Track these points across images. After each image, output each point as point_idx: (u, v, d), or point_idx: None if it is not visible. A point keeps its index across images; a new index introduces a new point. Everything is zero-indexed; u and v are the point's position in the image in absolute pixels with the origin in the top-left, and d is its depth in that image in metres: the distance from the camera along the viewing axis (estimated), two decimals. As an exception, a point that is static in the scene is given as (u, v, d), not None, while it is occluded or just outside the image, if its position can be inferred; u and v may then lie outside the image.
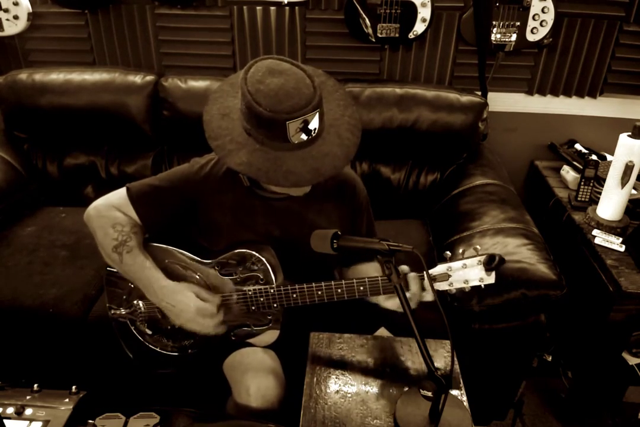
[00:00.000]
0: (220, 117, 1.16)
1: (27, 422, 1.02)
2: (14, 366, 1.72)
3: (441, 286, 1.15)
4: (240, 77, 1.11)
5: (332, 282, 1.23)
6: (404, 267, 1.19)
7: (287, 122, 1.06)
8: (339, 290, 1.22)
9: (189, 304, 1.25)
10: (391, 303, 1.24)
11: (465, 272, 1.12)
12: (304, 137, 1.10)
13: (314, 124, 1.10)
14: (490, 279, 1.12)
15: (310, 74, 1.12)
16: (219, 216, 1.33)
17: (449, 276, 1.14)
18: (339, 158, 1.15)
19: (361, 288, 1.21)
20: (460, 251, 1.15)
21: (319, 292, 1.23)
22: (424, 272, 1.16)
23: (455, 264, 1.13)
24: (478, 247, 1.13)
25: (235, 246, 1.31)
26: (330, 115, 1.17)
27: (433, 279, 1.14)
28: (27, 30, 2.25)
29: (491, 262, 1.08)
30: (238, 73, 1.22)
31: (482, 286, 1.13)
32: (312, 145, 1.12)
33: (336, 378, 1.20)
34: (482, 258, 1.10)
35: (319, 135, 1.14)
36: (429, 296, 1.18)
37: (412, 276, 1.17)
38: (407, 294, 1.17)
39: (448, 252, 1.15)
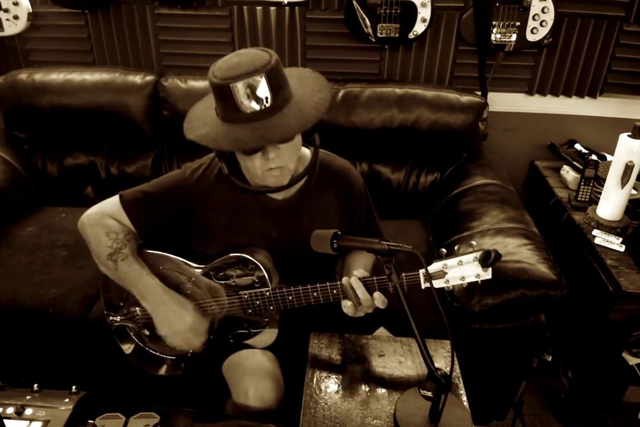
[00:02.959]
0: (203, 109, 1.22)
1: (27, 422, 1.02)
2: (14, 366, 1.72)
3: (438, 283, 1.14)
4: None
5: (327, 283, 1.23)
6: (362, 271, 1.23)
7: (230, 85, 1.08)
8: (335, 291, 1.23)
9: (187, 316, 1.26)
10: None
11: (461, 269, 1.12)
12: (254, 105, 1.09)
13: (263, 90, 1.09)
14: (487, 274, 1.11)
15: (272, 53, 1.12)
16: (213, 220, 1.33)
17: (445, 273, 1.13)
18: (291, 128, 1.14)
19: None
20: (456, 247, 1.14)
21: (315, 294, 1.24)
22: (421, 271, 1.16)
23: (451, 261, 1.12)
24: (474, 243, 1.13)
25: (230, 250, 1.30)
26: (300, 94, 1.17)
27: (430, 277, 1.14)
28: (27, 30, 2.25)
29: (487, 259, 1.07)
30: None
31: (479, 281, 1.13)
32: (268, 119, 1.12)
33: (336, 378, 1.20)
34: (478, 254, 1.10)
35: (277, 109, 1.12)
36: (381, 305, 1.19)
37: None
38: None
39: (443, 249, 1.15)
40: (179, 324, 1.25)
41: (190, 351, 1.34)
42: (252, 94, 1.09)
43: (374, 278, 1.19)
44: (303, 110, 1.16)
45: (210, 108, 1.19)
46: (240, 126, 1.11)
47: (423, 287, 1.18)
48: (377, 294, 1.18)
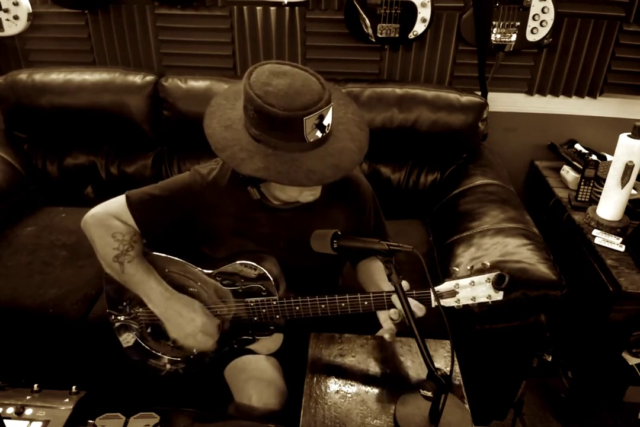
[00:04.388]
0: (223, 129, 1.13)
1: (27, 422, 1.02)
2: (14, 366, 1.72)
3: (448, 302, 1.14)
4: (243, 83, 1.09)
5: (336, 296, 1.21)
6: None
7: (304, 119, 1.04)
8: (343, 304, 1.21)
9: (197, 318, 1.24)
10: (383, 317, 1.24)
11: (473, 289, 1.11)
12: (318, 134, 1.08)
13: (328, 119, 1.09)
14: (499, 296, 1.11)
15: (313, 73, 1.11)
16: (222, 227, 1.31)
17: (456, 292, 1.12)
18: (354, 152, 1.14)
19: (365, 303, 1.20)
20: (469, 267, 1.13)
21: (323, 306, 1.22)
22: (430, 289, 1.14)
23: (463, 282, 1.11)
24: (487, 263, 1.10)
25: (238, 256, 1.28)
26: (335, 114, 1.15)
27: (440, 296, 1.13)
28: (27, 30, 2.25)
29: (501, 283, 1.07)
30: (229, 87, 1.22)
31: (490, 302, 1.12)
32: (325, 144, 1.11)
33: (336, 378, 1.20)
34: (491, 276, 1.09)
35: (330, 133, 1.13)
36: (418, 312, 1.16)
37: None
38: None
39: (456, 268, 1.14)
40: (189, 326, 1.24)
41: (201, 352, 1.32)
42: (320, 124, 1.07)
43: (414, 292, 1.17)
44: (350, 131, 1.16)
45: (229, 128, 1.13)
46: (301, 155, 1.08)
47: (433, 305, 1.16)
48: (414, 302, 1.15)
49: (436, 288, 1.14)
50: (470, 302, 1.12)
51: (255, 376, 1.29)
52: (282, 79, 1.06)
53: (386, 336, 1.21)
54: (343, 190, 1.36)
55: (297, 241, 1.30)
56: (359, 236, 1.31)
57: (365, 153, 1.16)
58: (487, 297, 1.11)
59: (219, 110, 1.17)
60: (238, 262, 1.27)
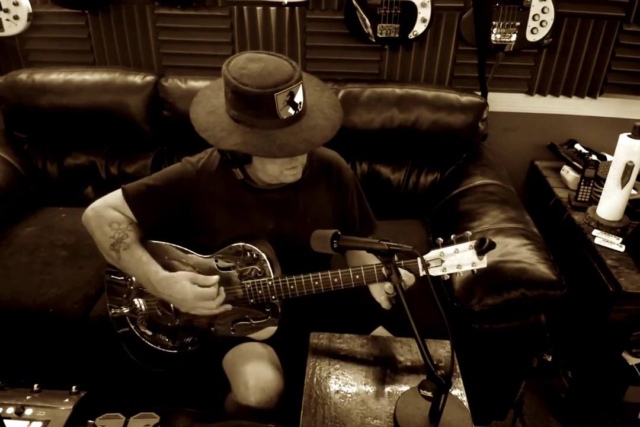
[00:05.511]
0: (207, 114, 1.22)
1: (27, 422, 1.02)
2: (14, 366, 1.72)
3: (435, 271, 1.17)
4: (223, 69, 1.17)
5: (329, 272, 1.25)
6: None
7: (275, 95, 1.11)
8: (335, 279, 1.24)
9: (187, 293, 1.26)
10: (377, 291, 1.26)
11: (458, 257, 1.15)
12: (291, 111, 1.15)
13: (299, 97, 1.16)
14: (482, 263, 1.14)
15: (287, 59, 1.19)
16: (214, 212, 1.36)
17: (442, 261, 1.16)
18: (326, 129, 1.21)
19: (357, 276, 1.23)
20: (452, 236, 1.16)
21: (316, 283, 1.26)
22: (418, 258, 1.18)
23: (448, 249, 1.15)
24: (469, 232, 1.16)
25: (233, 240, 1.32)
26: (310, 98, 1.23)
27: (427, 265, 1.16)
28: (27, 30, 2.25)
29: (482, 245, 1.10)
30: (216, 80, 1.29)
31: (475, 270, 1.15)
32: (299, 122, 1.18)
33: (336, 378, 1.20)
34: (474, 242, 1.12)
35: (304, 112, 1.19)
36: (408, 281, 1.20)
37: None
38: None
39: (440, 238, 1.17)
40: (186, 301, 1.27)
41: (219, 312, 1.31)
42: (291, 101, 1.14)
43: (402, 262, 1.21)
44: (324, 112, 1.23)
45: (212, 113, 1.21)
46: (275, 132, 1.16)
47: (421, 275, 1.20)
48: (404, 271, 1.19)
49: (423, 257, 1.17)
50: (456, 270, 1.16)
51: (253, 360, 1.31)
52: (256, 64, 1.16)
53: (384, 305, 1.24)
54: (325, 172, 1.42)
55: (286, 223, 1.37)
56: (345, 217, 1.37)
57: (337, 130, 1.23)
58: (472, 265, 1.15)
59: (205, 99, 1.26)
60: (234, 244, 1.31)
